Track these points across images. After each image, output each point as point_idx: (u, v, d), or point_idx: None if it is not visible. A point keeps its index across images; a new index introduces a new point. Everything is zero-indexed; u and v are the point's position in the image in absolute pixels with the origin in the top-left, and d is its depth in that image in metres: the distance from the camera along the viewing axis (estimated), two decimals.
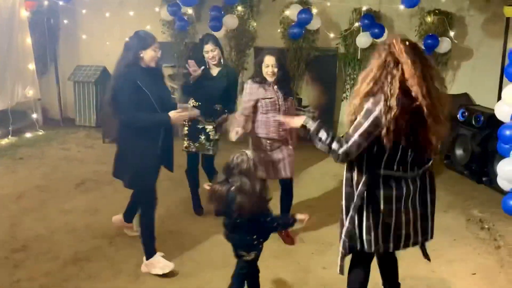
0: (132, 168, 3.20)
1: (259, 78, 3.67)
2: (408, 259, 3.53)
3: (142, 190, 3.32)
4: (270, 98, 3.65)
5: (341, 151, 2.23)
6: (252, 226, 2.60)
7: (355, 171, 2.35)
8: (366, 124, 2.19)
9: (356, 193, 2.33)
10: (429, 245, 3.79)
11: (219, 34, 6.58)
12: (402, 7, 5.36)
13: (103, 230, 3.95)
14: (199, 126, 4.09)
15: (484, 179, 5.32)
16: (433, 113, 2.17)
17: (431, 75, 2.21)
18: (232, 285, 2.77)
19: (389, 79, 2.17)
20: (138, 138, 3.17)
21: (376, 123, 2.18)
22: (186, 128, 4.17)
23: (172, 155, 3.45)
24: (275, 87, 3.68)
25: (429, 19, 6.09)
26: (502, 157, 4.30)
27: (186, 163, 4.31)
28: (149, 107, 3.16)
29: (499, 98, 5.95)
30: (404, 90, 2.15)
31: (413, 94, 2.14)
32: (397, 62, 2.17)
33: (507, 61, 5.91)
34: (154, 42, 3.22)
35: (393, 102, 2.13)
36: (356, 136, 2.20)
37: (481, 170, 5.37)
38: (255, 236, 2.64)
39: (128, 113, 3.13)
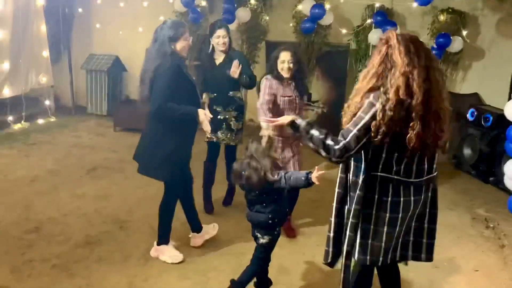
0: (166, 160, 3.15)
1: (276, 74, 3.64)
2: None
3: (172, 182, 3.30)
4: (289, 96, 3.62)
5: (337, 146, 2.14)
6: (266, 199, 2.75)
7: (350, 173, 2.28)
8: (366, 118, 2.10)
9: (350, 196, 2.27)
10: (436, 243, 3.88)
11: (232, 27, 6.63)
12: (415, 4, 5.36)
13: (113, 215, 4.04)
14: (220, 117, 4.01)
15: (491, 179, 5.34)
16: (427, 109, 2.06)
17: (431, 68, 2.11)
18: (250, 270, 2.88)
19: (390, 73, 2.10)
20: (176, 131, 3.14)
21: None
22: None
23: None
24: (293, 84, 3.66)
25: (442, 17, 6.07)
26: (510, 157, 4.32)
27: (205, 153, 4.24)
28: (195, 97, 3.20)
29: (510, 98, 5.96)
30: (407, 84, 2.05)
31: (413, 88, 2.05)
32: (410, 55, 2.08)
33: None
34: (186, 30, 3.18)
35: (391, 94, 2.05)
36: (355, 130, 2.11)
37: (489, 170, 5.38)
38: (270, 216, 2.76)
39: (159, 102, 3.02)
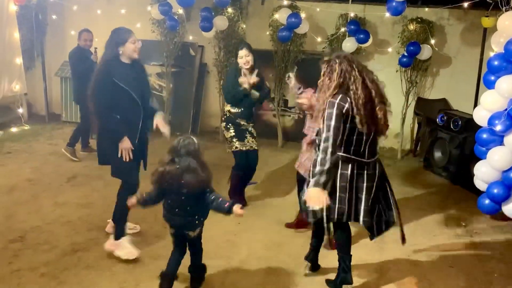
0: (113, 157, 3.40)
1: None
2: (391, 252, 3.77)
3: (123, 177, 3.50)
4: None
5: (328, 144, 2.74)
6: (195, 204, 2.81)
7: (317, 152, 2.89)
8: (335, 111, 2.78)
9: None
10: (411, 240, 4.08)
11: (209, 35, 6.73)
12: (386, 14, 5.60)
13: (98, 222, 4.03)
14: (243, 128, 4.50)
15: (460, 180, 5.61)
16: (382, 96, 2.91)
17: (367, 72, 2.94)
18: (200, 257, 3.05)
19: (351, 80, 2.84)
20: (113, 130, 3.37)
21: (340, 108, 2.79)
22: (232, 131, 4.47)
23: (146, 155, 3.66)
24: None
25: (411, 26, 6.36)
26: (479, 159, 4.56)
27: (235, 161, 4.59)
28: (129, 101, 3.36)
29: (476, 103, 6.29)
30: (363, 82, 2.85)
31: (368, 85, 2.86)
32: (351, 68, 2.87)
33: (484, 69, 6.27)
34: (130, 35, 3.43)
35: (360, 93, 2.81)
36: (333, 122, 2.76)
37: (458, 172, 5.66)
38: (196, 216, 2.86)
39: (100, 109, 3.37)
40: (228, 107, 4.51)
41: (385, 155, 6.78)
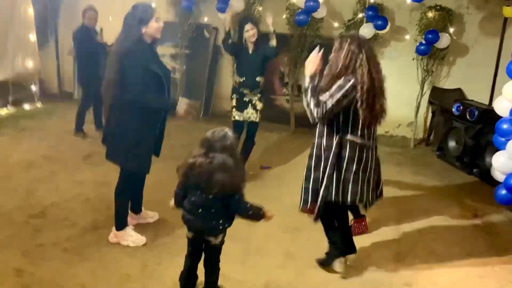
0: (129, 150, 3.18)
1: None
2: (409, 240, 3.79)
3: (134, 172, 3.35)
4: None
5: (327, 103, 2.79)
6: (222, 206, 2.52)
7: (325, 137, 2.97)
8: (345, 88, 2.80)
9: (324, 155, 2.97)
10: (427, 229, 4.10)
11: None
12: (407, 1, 5.52)
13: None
14: (245, 99, 4.74)
15: (474, 170, 5.60)
16: (382, 89, 2.92)
17: (375, 62, 2.91)
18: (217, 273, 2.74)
19: (358, 64, 2.82)
20: (137, 120, 3.14)
21: (353, 85, 2.80)
22: (234, 101, 4.77)
23: (162, 142, 3.47)
24: None
25: (430, 14, 6.28)
26: (496, 149, 4.54)
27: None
28: (160, 86, 3.16)
29: (492, 94, 6.25)
30: (369, 70, 2.83)
31: (373, 74, 2.84)
32: (358, 51, 2.83)
33: (502, 60, 6.21)
34: (154, 12, 3.14)
35: (365, 79, 2.80)
36: (338, 95, 2.79)
37: (473, 162, 5.65)
38: (221, 221, 2.55)
39: (138, 93, 3.03)
40: (234, 77, 4.85)
41: (398, 143, 6.78)
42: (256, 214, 2.55)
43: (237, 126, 4.84)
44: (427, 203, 4.66)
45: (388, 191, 4.87)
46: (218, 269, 2.73)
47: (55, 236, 3.39)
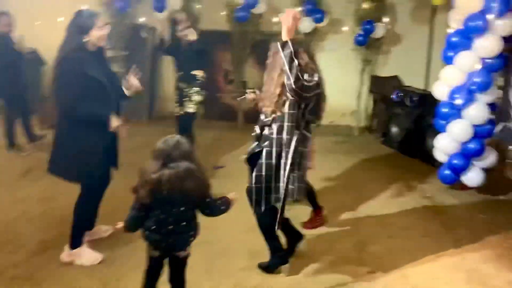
0: (76, 160, 3.02)
1: None
2: (367, 227, 3.88)
3: (87, 182, 3.15)
4: None
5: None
6: (192, 218, 2.45)
7: (284, 132, 2.91)
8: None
9: (285, 151, 2.91)
10: (382, 214, 4.22)
11: (163, 15, 6.48)
12: None
13: (64, 216, 3.77)
14: (184, 93, 4.84)
15: (417, 153, 5.85)
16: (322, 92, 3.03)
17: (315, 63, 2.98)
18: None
19: (294, 64, 2.75)
20: (82, 129, 2.99)
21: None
22: (176, 97, 4.94)
23: (117, 152, 3.32)
24: None
25: (365, 5, 6.47)
26: (437, 132, 4.76)
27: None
28: (103, 95, 2.99)
29: (427, 79, 6.56)
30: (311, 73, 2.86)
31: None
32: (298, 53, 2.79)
33: (434, 46, 6.54)
34: (97, 19, 3.01)
35: (310, 79, 2.82)
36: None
37: (415, 146, 5.89)
38: (191, 232, 2.47)
39: (69, 102, 2.90)
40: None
41: (343, 132, 6.95)
42: (227, 207, 2.53)
43: (180, 121, 4.96)
44: (379, 188, 4.81)
45: (340, 179, 5.02)
46: (185, 281, 2.62)
47: (0, 263, 3.11)
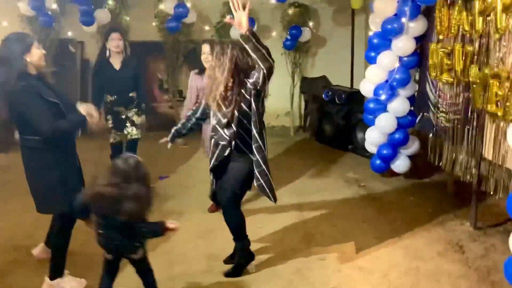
0: (49, 192, 2.95)
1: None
2: (312, 220, 4.15)
3: (59, 212, 3.06)
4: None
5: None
6: (132, 229, 2.51)
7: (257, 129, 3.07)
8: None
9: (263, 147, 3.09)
10: (325, 206, 4.52)
11: (92, 29, 6.40)
12: (273, 1, 5.93)
13: (13, 241, 3.71)
14: (122, 117, 4.40)
15: (349, 147, 6.29)
16: None
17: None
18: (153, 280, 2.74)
19: (246, 68, 3.03)
20: (53, 157, 2.90)
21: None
22: (110, 122, 4.32)
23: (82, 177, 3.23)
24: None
25: (290, 11, 6.83)
26: (366, 126, 5.17)
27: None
28: (61, 115, 2.89)
29: (352, 78, 7.04)
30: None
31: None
32: (242, 56, 3.04)
33: (357, 47, 7.03)
34: (33, 39, 2.92)
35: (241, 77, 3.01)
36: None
37: (346, 140, 6.32)
38: (135, 239, 2.58)
39: (47, 125, 2.77)
40: (106, 97, 4.42)
41: (279, 133, 7.25)
42: (156, 232, 2.57)
43: (115, 149, 4.47)
44: (319, 183, 5.14)
45: (283, 177, 5.28)
46: (151, 268, 2.73)
47: None
